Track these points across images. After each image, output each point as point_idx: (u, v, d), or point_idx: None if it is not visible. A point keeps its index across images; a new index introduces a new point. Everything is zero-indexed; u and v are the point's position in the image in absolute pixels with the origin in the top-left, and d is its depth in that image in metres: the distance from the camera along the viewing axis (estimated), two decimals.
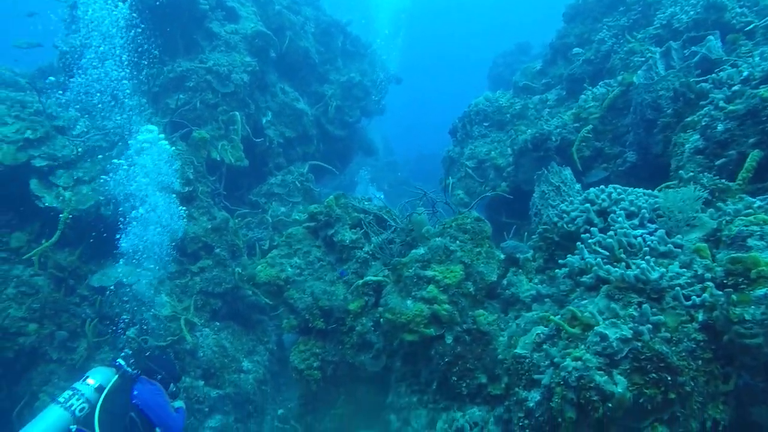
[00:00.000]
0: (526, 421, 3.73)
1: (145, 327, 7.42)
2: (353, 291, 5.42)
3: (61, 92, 8.12)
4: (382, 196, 11.26)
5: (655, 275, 3.46)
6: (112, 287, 7.69)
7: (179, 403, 4.98)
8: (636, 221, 4.06)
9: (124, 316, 7.18)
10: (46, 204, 7.63)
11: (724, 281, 3.35)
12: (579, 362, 3.30)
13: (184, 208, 7.79)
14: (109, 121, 7.73)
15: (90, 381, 4.58)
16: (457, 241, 4.91)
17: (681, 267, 3.53)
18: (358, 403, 5.55)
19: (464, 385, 4.46)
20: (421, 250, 4.95)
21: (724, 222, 3.75)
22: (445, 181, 9.01)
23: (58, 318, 7.72)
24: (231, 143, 8.86)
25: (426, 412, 4.70)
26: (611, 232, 3.97)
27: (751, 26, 6.08)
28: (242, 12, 10.65)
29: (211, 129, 8.88)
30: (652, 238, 3.86)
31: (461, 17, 58.12)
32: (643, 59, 6.90)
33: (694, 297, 3.35)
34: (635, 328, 3.27)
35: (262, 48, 10.48)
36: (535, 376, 3.66)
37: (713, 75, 5.32)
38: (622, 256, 3.82)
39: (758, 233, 3.47)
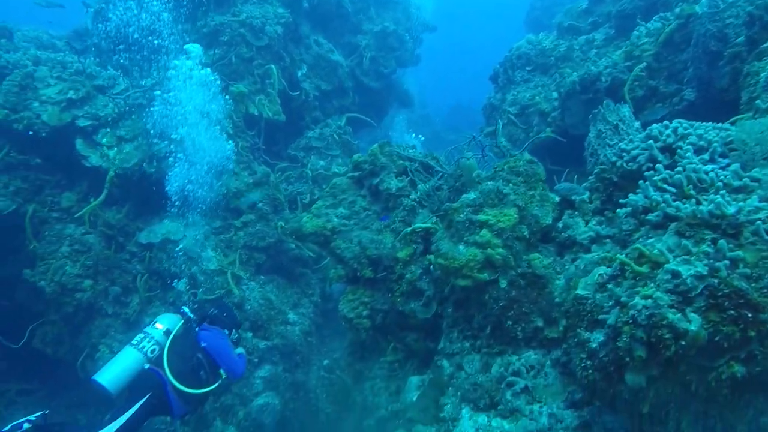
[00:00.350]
0: (589, 362, 3.65)
1: (194, 281, 7.59)
2: (401, 239, 5.36)
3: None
4: (422, 139, 11.01)
5: (731, 210, 3.26)
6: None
7: (240, 350, 5.17)
8: (706, 156, 3.82)
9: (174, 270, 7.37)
10: (92, 163, 7.76)
11: None
12: (649, 300, 3.17)
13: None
14: (148, 79, 7.71)
15: (158, 326, 4.90)
16: (510, 184, 4.76)
17: (760, 201, 3.32)
18: (408, 351, 5.56)
19: (519, 329, 4.39)
20: (472, 195, 4.81)
21: None
22: (482, 129, 8.77)
23: (110, 274, 7.96)
24: (268, 97, 8.77)
25: (479, 357, 4.67)
26: (679, 168, 3.75)
27: None
28: None
29: (247, 83, 8.79)
30: (725, 172, 3.63)
31: None
32: None
33: None
34: (711, 265, 3.10)
35: None
36: (600, 317, 3.55)
37: None
38: (692, 192, 3.62)
39: None
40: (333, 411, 8.12)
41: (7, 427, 3.86)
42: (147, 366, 4.61)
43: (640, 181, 4.01)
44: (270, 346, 7.82)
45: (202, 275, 7.60)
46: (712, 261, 3.13)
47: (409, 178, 5.76)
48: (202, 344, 4.79)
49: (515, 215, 4.59)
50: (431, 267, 5.12)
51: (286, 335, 7.91)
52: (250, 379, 7.67)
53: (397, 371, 5.51)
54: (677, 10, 6.41)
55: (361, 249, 5.48)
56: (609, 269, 3.77)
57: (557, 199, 4.81)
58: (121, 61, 8.32)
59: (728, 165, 3.71)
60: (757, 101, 4.24)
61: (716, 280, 3.06)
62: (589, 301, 3.75)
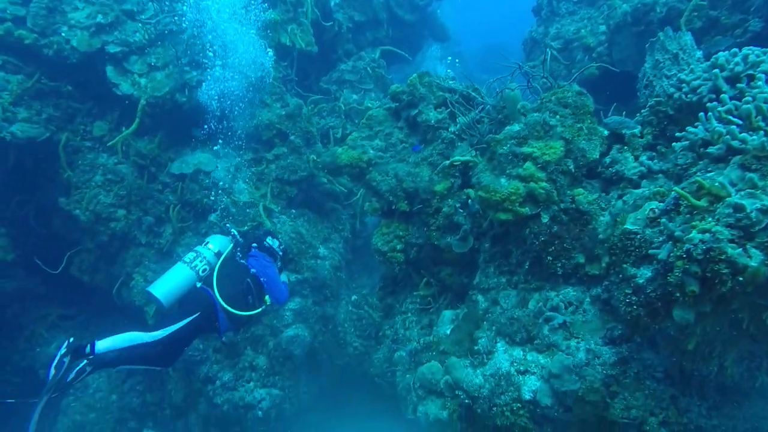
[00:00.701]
0: (634, 298, 3.56)
1: (226, 213, 7.61)
2: (439, 172, 5.22)
3: None
4: (458, 63, 10.59)
5: None
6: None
7: (284, 277, 5.26)
8: None
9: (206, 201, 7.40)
10: (123, 92, 7.67)
11: None
12: (707, 234, 3.03)
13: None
14: (178, 3, 7.46)
15: (210, 246, 5.08)
16: (557, 116, 4.54)
17: None
18: (442, 286, 5.54)
19: (559, 265, 4.30)
20: (517, 127, 4.62)
21: None
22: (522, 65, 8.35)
23: (143, 204, 8.02)
24: (300, 27, 8.46)
25: (516, 293, 4.62)
26: (748, 98, 3.50)
27: None
28: None
29: (279, 11, 8.46)
30: None
31: None
32: None
33: None
34: None
35: None
36: (651, 251, 3.42)
37: None
38: (761, 123, 3.38)
39: None
40: (361, 345, 8.29)
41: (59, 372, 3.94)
42: (199, 284, 4.80)
43: (701, 113, 3.78)
44: (300, 279, 7.88)
45: (234, 207, 7.60)
46: None
47: (448, 110, 5.55)
48: (252, 270, 4.94)
49: (561, 148, 4.39)
50: (469, 201, 5.00)
51: (316, 269, 7.96)
52: (281, 310, 7.79)
53: (430, 305, 5.50)
54: None
55: (397, 182, 5.37)
56: (661, 204, 3.61)
57: (606, 132, 4.58)
58: None
59: None
60: None
61: None
62: (638, 236, 3.62)
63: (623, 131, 4.47)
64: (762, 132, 3.31)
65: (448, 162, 5.16)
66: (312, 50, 8.74)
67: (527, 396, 4.06)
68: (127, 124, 7.82)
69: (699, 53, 4.59)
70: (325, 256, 8.17)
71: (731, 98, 3.66)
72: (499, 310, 4.63)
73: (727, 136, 3.41)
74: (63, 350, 3.97)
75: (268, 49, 7.43)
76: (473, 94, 5.50)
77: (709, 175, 3.44)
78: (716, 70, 3.83)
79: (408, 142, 5.67)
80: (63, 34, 7.34)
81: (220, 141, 7.53)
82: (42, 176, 8.21)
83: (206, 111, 7.29)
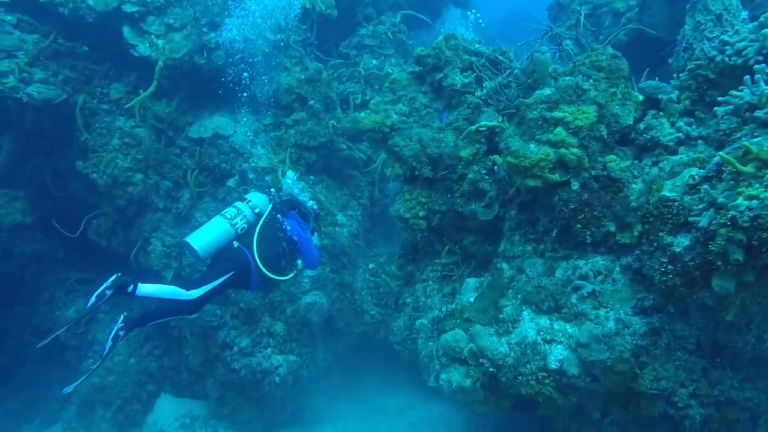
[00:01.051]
0: (671, 267, 3.46)
1: (244, 178, 7.55)
2: (465, 137, 5.09)
3: None
4: (482, 23, 10.29)
5: None
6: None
7: (316, 240, 5.35)
8: None
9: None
10: (140, 53, 7.54)
11: None
12: (755, 201, 2.91)
13: None
14: None
15: (250, 203, 5.01)
16: (591, 80, 4.36)
17: None
18: (465, 253, 5.46)
19: (588, 233, 4.18)
20: (547, 91, 4.46)
21: None
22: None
23: (161, 168, 7.96)
24: None
25: (542, 261, 4.53)
26: None
27: None
28: None
29: None
30: None
31: None
32: None
33: None
34: None
35: None
36: (691, 218, 3.30)
37: None
38: None
39: None
40: (378, 313, 8.29)
41: (92, 300, 3.97)
42: (236, 244, 4.75)
43: (746, 77, 3.60)
44: (318, 246, 7.83)
45: (253, 172, 7.53)
46: None
47: (475, 74, 5.38)
48: (290, 234, 4.93)
49: (594, 113, 4.24)
50: (495, 167, 4.88)
51: (334, 236, 7.92)
52: (298, 276, 7.77)
53: (453, 273, 5.43)
54: None
55: (421, 147, 5.24)
56: (702, 170, 3.48)
57: (641, 98, 4.41)
58: None
59: None
60: None
61: None
62: (676, 204, 3.51)
63: (659, 96, 4.29)
64: None
65: (474, 127, 5.02)
66: (332, 13, 8.52)
67: (553, 365, 4.00)
68: (145, 86, 7.71)
69: (744, 14, 4.38)
70: (343, 224, 8.11)
71: None
72: (525, 278, 4.55)
73: None
74: (109, 282, 4.02)
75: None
76: (501, 57, 5.33)
77: (756, 140, 3.29)
78: (765, 30, 3.63)
79: (432, 107, 5.53)
80: None
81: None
82: (59, 139, 8.16)
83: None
